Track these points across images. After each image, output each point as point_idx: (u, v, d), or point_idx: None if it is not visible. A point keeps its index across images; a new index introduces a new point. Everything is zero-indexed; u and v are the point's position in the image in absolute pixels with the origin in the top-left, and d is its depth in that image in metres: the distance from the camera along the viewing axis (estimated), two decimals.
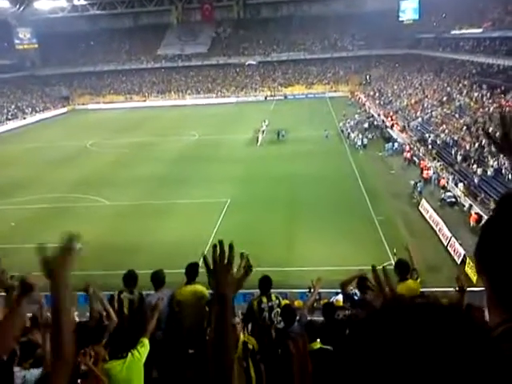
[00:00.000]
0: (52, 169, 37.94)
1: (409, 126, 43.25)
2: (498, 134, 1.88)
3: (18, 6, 77.99)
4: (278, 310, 6.40)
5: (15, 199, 30.31)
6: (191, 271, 6.48)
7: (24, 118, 67.25)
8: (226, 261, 1.79)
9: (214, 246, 1.83)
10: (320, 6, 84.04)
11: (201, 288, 6.29)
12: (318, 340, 5.47)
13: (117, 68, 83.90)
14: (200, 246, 21.02)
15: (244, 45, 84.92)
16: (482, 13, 50.51)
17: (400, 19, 75.94)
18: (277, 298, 6.65)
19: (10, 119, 65.24)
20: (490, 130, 26.65)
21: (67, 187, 32.47)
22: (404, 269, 6.62)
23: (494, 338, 0.76)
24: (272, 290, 6.82)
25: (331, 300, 13.26)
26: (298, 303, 14.67)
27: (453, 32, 56.86)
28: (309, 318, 6.85)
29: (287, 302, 7.11)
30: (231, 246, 1.81)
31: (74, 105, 78.95)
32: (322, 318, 6.84)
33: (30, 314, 7.55)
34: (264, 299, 6.50)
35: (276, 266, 16.96)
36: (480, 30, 49.27)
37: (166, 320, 6.22)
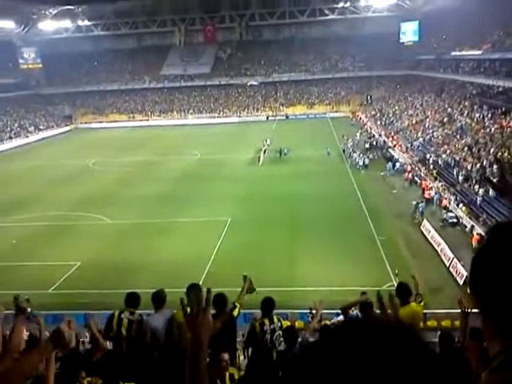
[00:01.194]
0: (55, 187, 37.98)
1: (411, 146, 43.37)
2: (498, 155, 1.87)
3: (22, 27, 79.30)
4: (280, 332, 6.33)
5: (17, 217, 30.29)
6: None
7: (27, 137, 67.60)
8: (202, 304, 1.79)
9: (192, 287, 1.84)
10: (320, 28, 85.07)
11: None
12: None
13: (120, 87, 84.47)
14: (201, 266, 21.05)
15: (246, 66, 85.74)
16: (482, 35, 51.00)
17: (401, 41, 76.93)
18: (279, 319, 6.57)
19: (12, 137, 65.60)
20: (496, 153, 26.78)
21: (70, 205, 32.49)
22: (405, 292, 6.48)
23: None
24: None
25: (332, 321, 13.15)
26: (298, 324, 14.56)
27: (453, 53, 57.35)
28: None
29: (288, 323, 7.04)
30: (209, 291, 1.82)
31: (77, 123, 79.30)
32: None
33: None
34: (266, 321, 6.42)
35: (277, 286, 16.85)
36: (480, 52, 49.70)
37: (164, 340, 6.15)
